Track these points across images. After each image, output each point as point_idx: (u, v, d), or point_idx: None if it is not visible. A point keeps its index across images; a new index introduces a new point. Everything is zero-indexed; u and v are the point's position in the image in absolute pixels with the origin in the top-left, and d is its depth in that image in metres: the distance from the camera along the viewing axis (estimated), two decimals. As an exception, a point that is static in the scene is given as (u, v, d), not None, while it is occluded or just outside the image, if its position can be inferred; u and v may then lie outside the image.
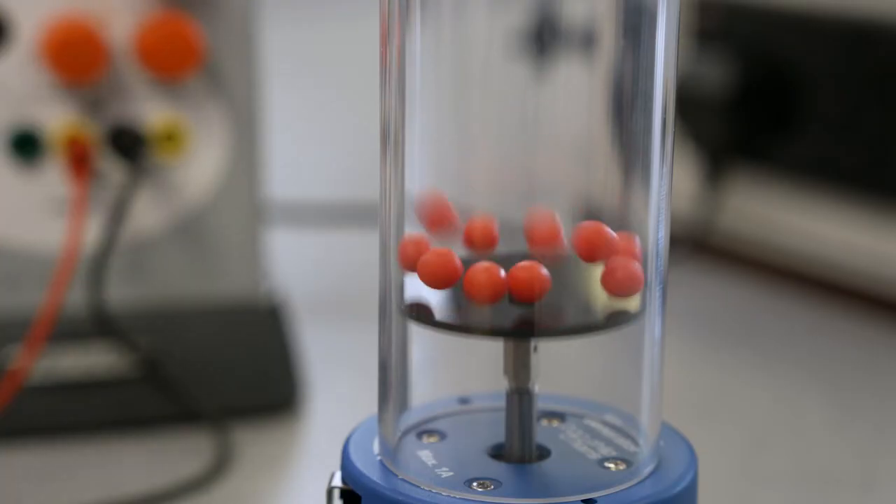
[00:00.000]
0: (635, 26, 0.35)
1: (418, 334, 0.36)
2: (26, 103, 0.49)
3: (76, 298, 0.49)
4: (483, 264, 0.34)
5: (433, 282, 0.34)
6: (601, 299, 0.35)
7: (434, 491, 0.34)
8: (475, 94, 0.36)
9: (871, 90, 0.61)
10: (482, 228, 0.36)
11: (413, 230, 0.36)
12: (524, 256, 0.35)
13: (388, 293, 0.36)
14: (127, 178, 0.50)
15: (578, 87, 0.36)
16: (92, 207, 0.50)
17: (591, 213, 0.35)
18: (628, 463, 0.36)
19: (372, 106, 0.37)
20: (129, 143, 0.49)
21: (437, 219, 0.36)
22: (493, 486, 0.34)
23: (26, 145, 0.49)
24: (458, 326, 0.34)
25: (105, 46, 0.48)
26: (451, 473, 0.35)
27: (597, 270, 0.35)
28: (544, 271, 0.34)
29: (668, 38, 0.35)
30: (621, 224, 0.35)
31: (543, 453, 0.36)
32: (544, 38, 0.35)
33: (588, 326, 0.35)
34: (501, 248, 0.36)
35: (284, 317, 0.52)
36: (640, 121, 0.35)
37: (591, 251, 0.35)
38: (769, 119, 0.66)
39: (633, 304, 0.35)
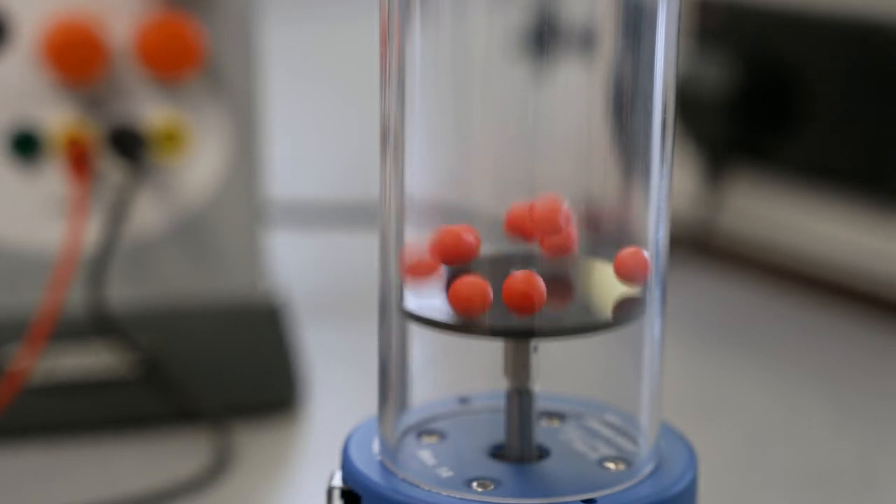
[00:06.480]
0: (635, 26, 0.35)
1: (418, 334, 0.36)
2: (26, 103, 0.49)
3: (76, 298, 0.49)
4: (468, 278, 0.34)
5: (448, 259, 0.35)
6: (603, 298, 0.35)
7: (434, 491, 0.34)
8: (475, 95, 0.36)
9: (871, 90, 0.61)
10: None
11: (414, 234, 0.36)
12: (523, 258, 0.35)
13: (388, 293, 0.36)
14: (127, 178, 0.50)
15: (578, 87, 0.36)
16: (92, 207, 0.50)
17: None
18: (628, 463, 0.36)
19: (372, 106, 0.37)
20: (129, 143, 0.49)
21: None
22: (493, 486, 0.34)
23: (26, 145, 0.49)
24: (459, 326, 0.34)
25: (105, 46, 0.48)
26: (451, 473, 0.35)
27: (601, 269, 0.35)
28: (540, 282, 0.34)
29: (668, 38, 0.35)
30: (621, 225, 0.35)
31: (543, 453, 0.36)
32: (544, 38, 0.35)
33: (588, 326, 0.35)
34: (503, 249, 0.36)
35: (284, 316, 0.52)
36: (640, 121, 0.35)
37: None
38: (769, 119, 0.66)
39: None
